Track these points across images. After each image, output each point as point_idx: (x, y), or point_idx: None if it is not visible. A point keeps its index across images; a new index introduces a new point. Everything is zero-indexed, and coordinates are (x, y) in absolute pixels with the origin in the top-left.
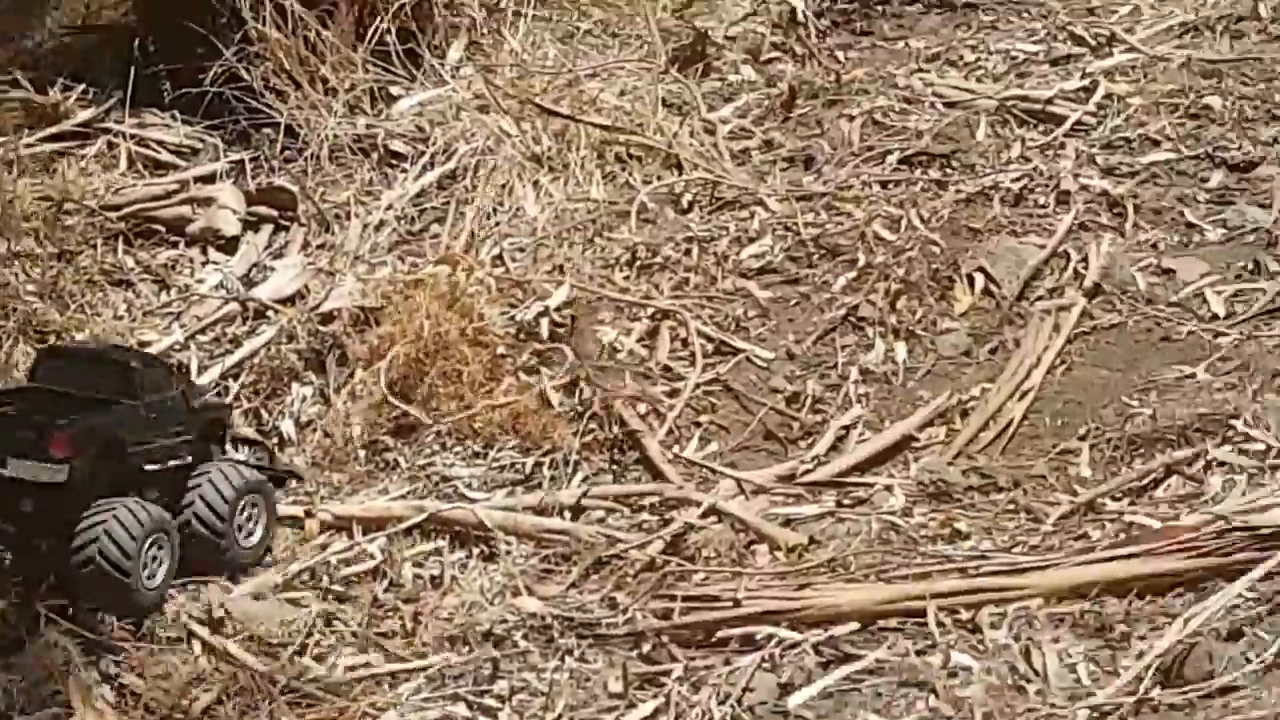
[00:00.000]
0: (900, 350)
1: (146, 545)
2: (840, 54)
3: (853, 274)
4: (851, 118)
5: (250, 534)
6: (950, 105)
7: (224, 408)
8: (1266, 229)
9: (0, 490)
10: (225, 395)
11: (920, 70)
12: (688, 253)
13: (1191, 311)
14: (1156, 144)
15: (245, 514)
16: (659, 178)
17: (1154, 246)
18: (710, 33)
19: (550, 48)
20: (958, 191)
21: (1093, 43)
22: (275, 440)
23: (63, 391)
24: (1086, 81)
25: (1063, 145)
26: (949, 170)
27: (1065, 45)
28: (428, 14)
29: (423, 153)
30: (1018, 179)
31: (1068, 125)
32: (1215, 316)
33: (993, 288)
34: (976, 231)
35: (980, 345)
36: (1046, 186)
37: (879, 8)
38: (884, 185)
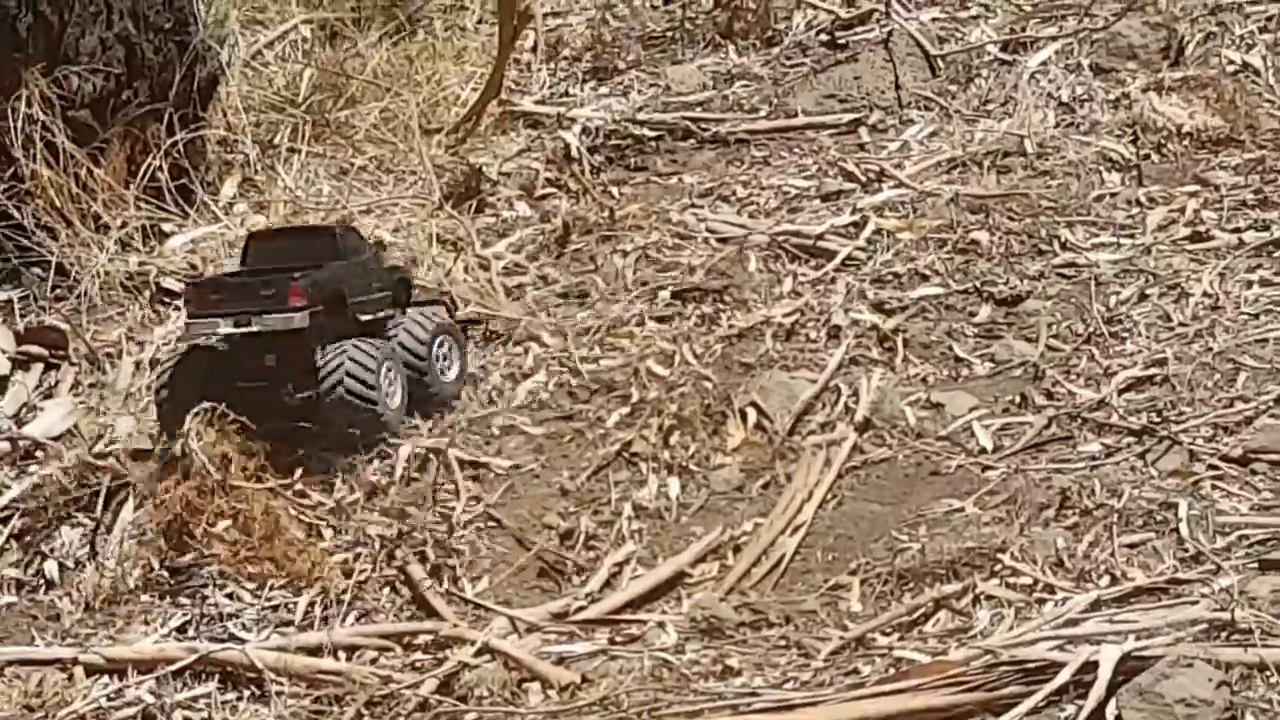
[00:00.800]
0: (674, 486)
1: (384, 370)
2: (614, 189)
3: (626, 409)
4: (625, 253)
5: (448, 369)
6: (723, 240)
7: (407, 267)
8: (1033, 363)
9: (246, 351)
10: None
11: (693, 206)
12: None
13: (960, 445)
14: (925, 279)
15: (442, 351)
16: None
17: (923, 380)
18: (485, 169)
19: (325, 184)
20: (730, 326)
21: (863, 178)
22: (42, 581)
23: (279, 266)
24: (857, 217)
25: (833, 280)
26: (722, 305)
27: (836, 181)
28: (200, 151)
29: None
30: (789, 314)
31: (838, 260)
32: (983, 450)
33: (765, 422)
34: (749, 366)
35: (753, 480)
36: (818, 321)
37: (653, 144)
38: (657, 320)
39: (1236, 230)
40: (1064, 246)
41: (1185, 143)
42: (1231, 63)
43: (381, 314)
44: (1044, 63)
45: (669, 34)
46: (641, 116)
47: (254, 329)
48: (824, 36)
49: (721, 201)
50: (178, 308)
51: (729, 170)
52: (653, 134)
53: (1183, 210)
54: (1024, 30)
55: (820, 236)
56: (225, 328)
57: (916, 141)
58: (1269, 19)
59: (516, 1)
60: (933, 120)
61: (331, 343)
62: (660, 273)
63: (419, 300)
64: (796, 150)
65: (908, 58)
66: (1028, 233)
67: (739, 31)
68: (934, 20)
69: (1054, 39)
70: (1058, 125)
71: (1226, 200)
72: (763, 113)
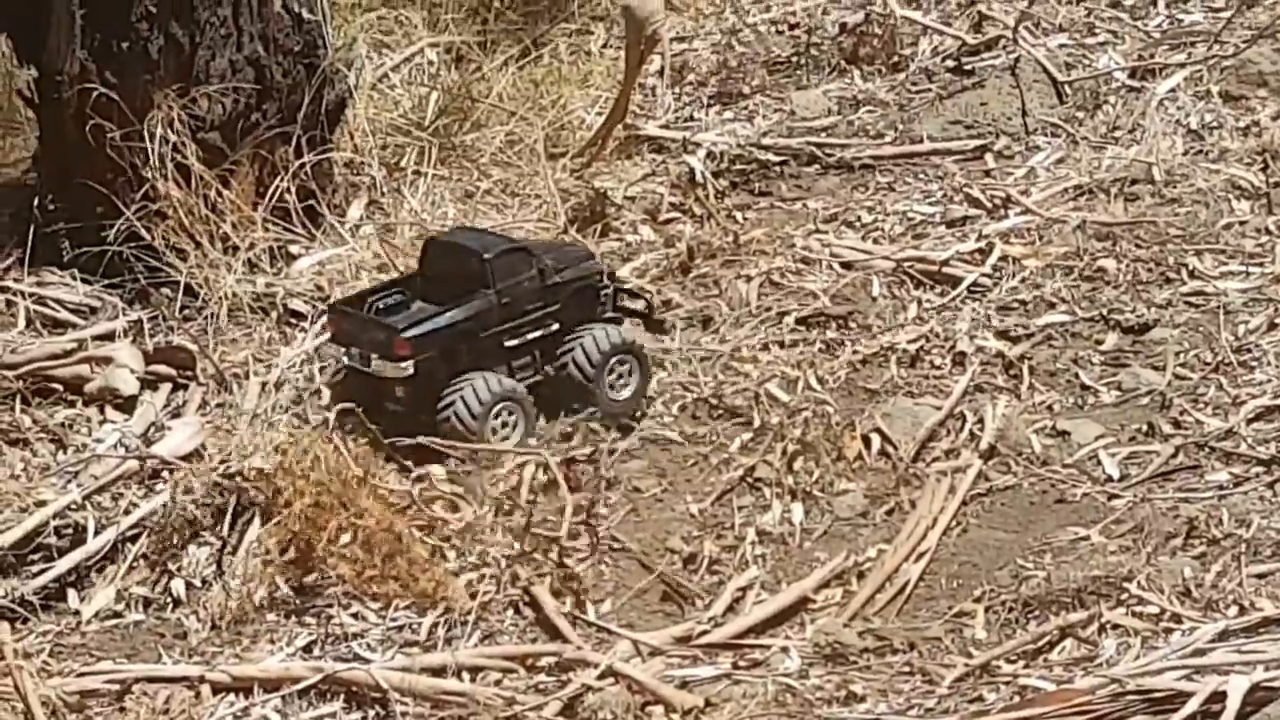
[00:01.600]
0: (797, 511)
1: (495, 410)
2: (738, 214)
3: (749, 434)
4: (749, 278)
5: (622, 389)
6: (847, 266)
7: (590, 275)
8: (1160, 391)
9: (384, 380)
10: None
11: (818, 231)
12: None
13: (1086, 474)
14: (1052, 306)
15: (615, 373)
16: None
17: (1049, 408)
18: (609, 193)
19: (450, 207)
20: (854, 352)
21: (989, 205)
22: (169, 599)
23: (439, 279)
24: (982, 243)
25: (959, 307)
26: (846, 331)
27: (962, 207)
28: (327, 173)
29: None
30: (914, 340)
31: (964, 287)
32: (1109, 479)
33: (889, 449)
34: (873, 392)
35: (877, 506)
36: (942, 348)
37: (777, 168)
38: (781, 346)
39: None
40: (1192, 274)
41: None
42: None
43: (539, 333)
44: (1173, 89)
45: (794, 59)
46: (766, 141)
47: (371, 369)
48: (950, 62)
49: (846, 227)
50: (304, 329)
51: (853, 196)
52: (777, 159)
53: None
54: (1152, 57)
55: (945, 263)
56: (348, 360)
57: (1043, 168)
58: None
59: (644, 26)
60: (1059, 147)
61: (472, 369)
62: (784, 298)
63: (620, 308)
64: (922, 176)
65: (1034, 84)
66: (1155, 260)
67: (864, 57)
68: (1061, 46)
69: (1183, 65)
70: (1186, 153)
71: None
72: (888, 138)
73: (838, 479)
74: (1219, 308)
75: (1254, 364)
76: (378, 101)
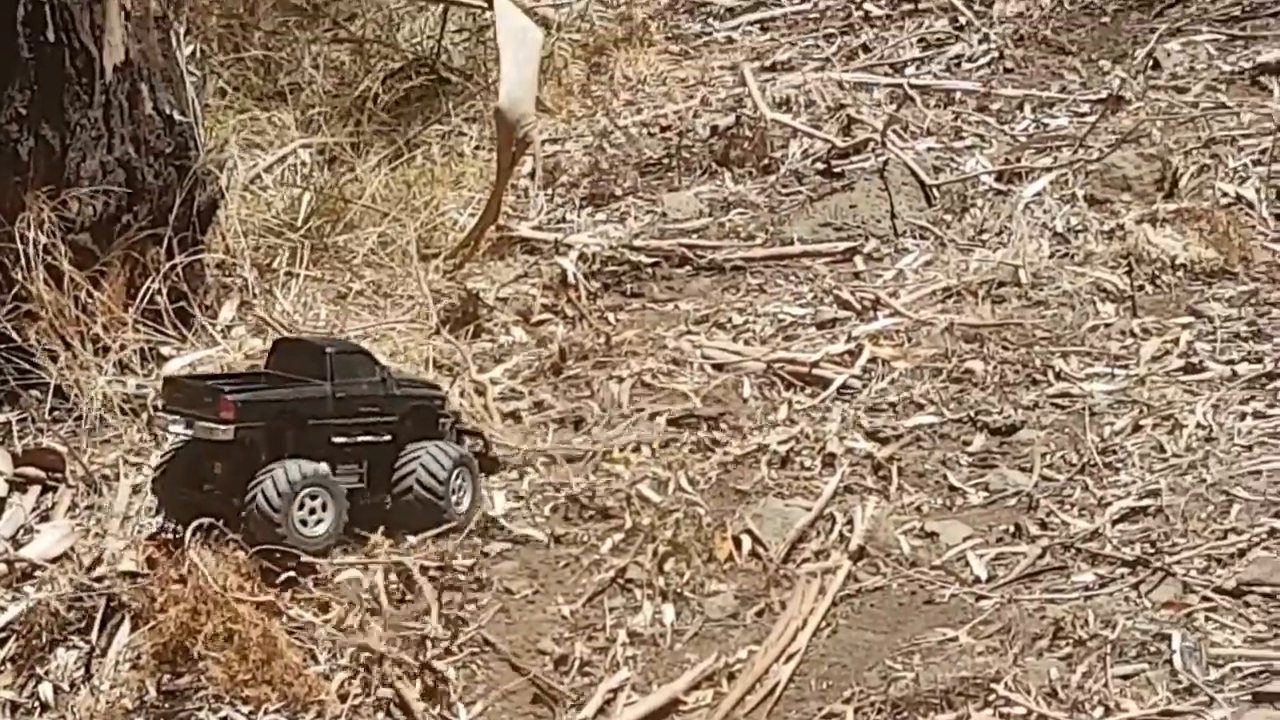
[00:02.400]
0: (668, 612)
1: (300, 495)
2: (610, 316)
3: (621, 535)
4: (621, 379)
5: (460, 500)
6: (718, 368)
7: (432, 399)
8: (1027, 493)
9: (204, 454)
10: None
11: (689, 332)
12: None
13: (954, 574)
14: (920, 407)
15: (455, 483)
16: None
17: (918, 509)
18: (481, 294)
19: (322, 308)
20: (725, 453)
21: (858, 307)
22: (37, 704)
23: (270, 373)
24: (852, 345)
25: (829, 408)
26: (717, 432)
27: (831, 309)
28: (199, 275)
29: None
30: (784, 441)
31: (834, 388)
32: (977, 580)
33: (760, 550)
34: (744, 493)
35: (747, 607)
36: (813, 449)
37: (649, 270)
38: (653, 447)
39: (1230, 362)
40: (1058, 376)
41: (1179, 274)
42: (1225, 195)
43: (369, 439)
44: (1038, 193)
45: (665, 161)
46: (638, 243)
47: (193, 435)
48: (820, 165)
49: (717, 329)
50: (175, 431)
51: (725, 298)
52: (649, 261)
53: (1176, 341)
54: (1018, 160)
55: (815, 364)
56: (177, 427)
57: (911, 270)
58: (1262, 151)
59: (515, 128)
60: (928, 249)
61: (290, 457)
62: (656, 399)
63: (454, 430)
64: (792, 278)
65: (903, 187)
66: (1022, 362)
67: (735, 159)
68: (929, 150)
69: (1048, 169)
70: (1052, 255)
71: (1220, 332)
72: (759, 240)
73: (709, 580)
74: (1085, 409)
75: (1119, 465)
76: (250, 202)
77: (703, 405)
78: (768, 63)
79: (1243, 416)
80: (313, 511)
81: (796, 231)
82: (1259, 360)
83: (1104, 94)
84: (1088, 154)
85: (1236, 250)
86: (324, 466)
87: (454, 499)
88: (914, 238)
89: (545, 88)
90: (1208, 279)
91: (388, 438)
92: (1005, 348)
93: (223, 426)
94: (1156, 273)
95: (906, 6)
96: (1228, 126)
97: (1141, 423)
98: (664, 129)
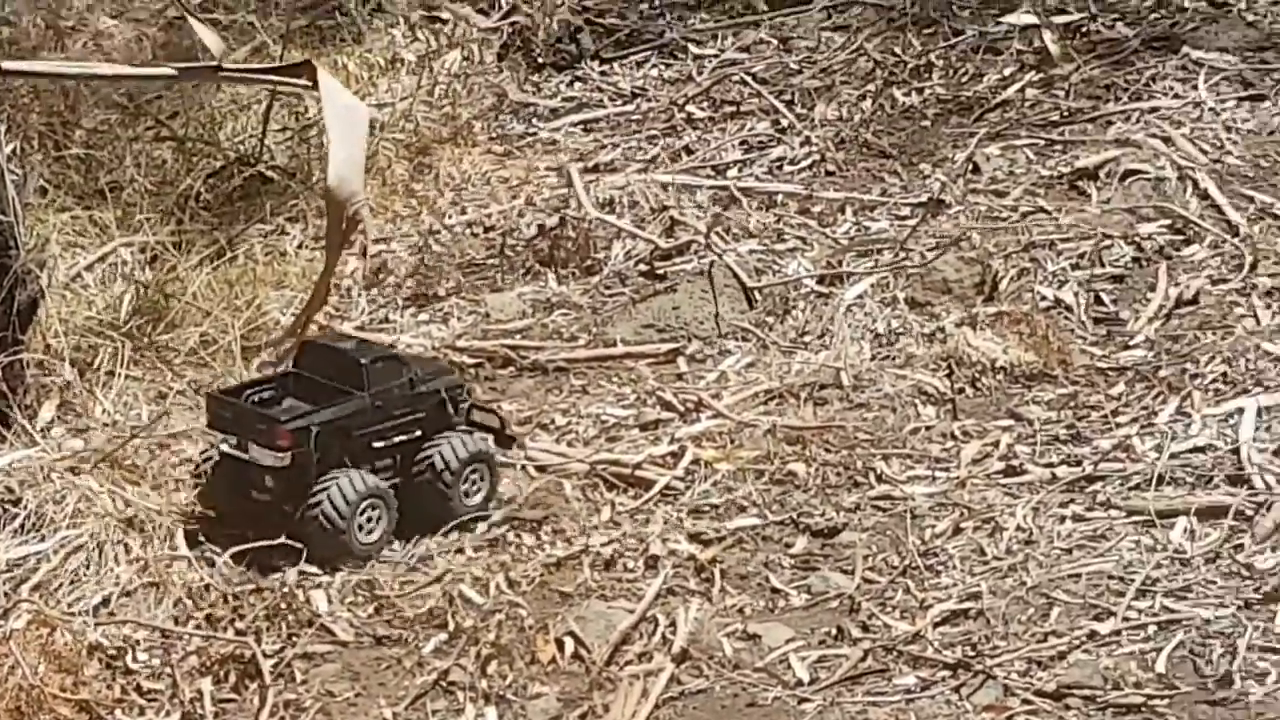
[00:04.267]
0: (491, 715)
1: (361, 507)
2: None
3: (444, 637)
4: None
5: (474, 495)
6: (541, 469)
7: (453, 389)
8: (849, 595)
9: (252, 469)
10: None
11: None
12: None
13: (777, 677)
14: (743, 509)
15: (469, 480)
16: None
17: (740, 611)
18: None
19: (144, 407)
20: (549, 555)
21: (681, 408)
22: None
23: (313, 379)
24: (675, 447)
25: (652, 510)
26: (540, 534)
27: (654, 410)
28: (18, 375)
29: (13, 515)
30: (607, 544)
31: (656, 490)
32: (799, 682)
33: (583, 652)
34: (567, 595)
35: (570, 710)
36: (636, 551)
37: (472, 371)
38: (475, 549)
39: (1050, 465)
40: (880, 479)
41: (999, 377)
42: (1044, 299)
43: (403, 438)
44: (860, 296)
45: (489, 262)
46: (461, 344)
47: (250, 457)
48: (643, 266)
49: (540, 430)
50: None
51: (548, 399)
52: (472, 361)
53: (997, 444)
54: (840, 264)
55: (638, 466)
56: (227, 447)
57: (734, 372)
58: (1080, 256)
59: (345, 207)
60: (750, 351)
61: (339, 467)
62: None
63: (473, 422)
64: (615, 379)
65: (726, 289)
66: (844, 464)
67: (559, 260)
68: (751, 252)
69: (870, 273)
70: (874, 358)
71: (1040, 435)
72: (582, 341)
73: (531, 682)
74: (906, 512)
75: (940, 568)
76: (71, 301)
77: (525, 507)
78: (591, 163)
79: (1062, 519)
80: (369, 520)
81: (620, 333)
82: (1078, 463)
83: (924, 197)
84: (908, 257)
85: (1055, 354)
86: (374, 479)
87: (465, 494)
88: (737, 339)
89: (369, 188)
90: (1027, 382)
91: (418, 433)
92: (827, 450)
93: (279, 454)
94: (977, 376)
95: (728, 109)
96: (1046, 231)
97: (962, 525)
98: (488, 230)
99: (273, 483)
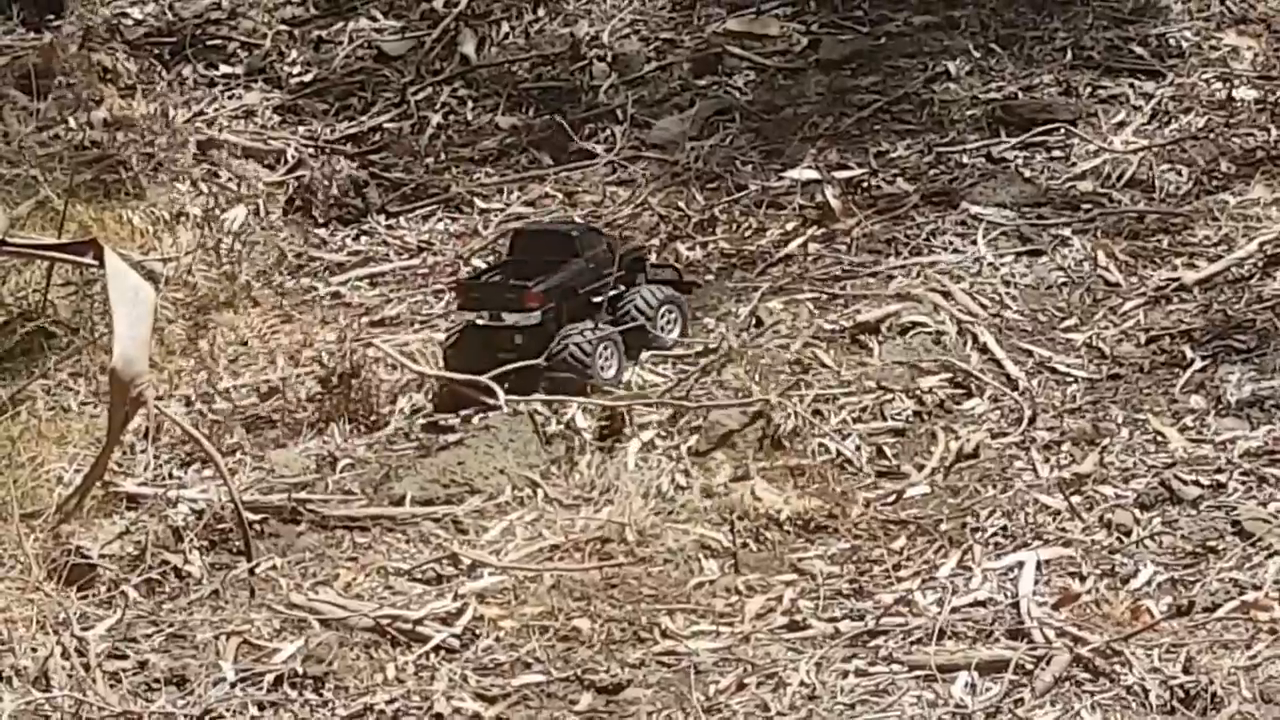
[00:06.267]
0: None
1: (599, 349)
2: (217, 575)
3: None
4: (228, 636)
5: (670, 330)
6: (325, 624)
7: (640, 249)
8: None
9: (500, 334)
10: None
11: (298, 588)
12: None
13: None
14: (528, 666)
15: (665, 318)
16: (27, 703)
17: None
18: (86, 551)
19: None
20: (333, 713)
21: (465, 564)
22: None
23: (526, 259)
24: (459, 603)
25: (436, 667)
26: (322, 692)
27: (439, 566)
28: None
29: None
30: (391, 701)
31: (431, 646)
32: None
33: None
34: None
35: None
36: (420, 709)
37: (256, 527)
38: (259, 707)
39: (833, 620)
40: (664, 634)
41: (782, 530)
42: (827, 451)
43: (613, 293)
44: (644, 450)
45: (274, 417)
46: (246, 499)
47: (502, 323)
48: (429, 420)
49: (324, 585)
50: None
51: (332, 553)
52: (257, 517)
53: (780, 599)
54: (624, 417)
55: (421, 622)
56: (481, 320)
57: (520, 525)
58: (863, 409)
59: (129, 388)
60: (536, 506)
61: (570, 321)
62: (262, 658)
63: (655, 278)
64: (399, 535)
65: (511, 443)
66: (629, 620)
67: (344, 415)
68: (535, 412)
69: (655, 426)
70: (658, 512)
71: (823, 589)
72: (366, 496)
73: None
74: (690, 668)
75: None
76: None
77: (307, 664)
78: (377, 318)
79: (845, 675)
80: (605, 359)
81: (404, 488)
82: (860, 618)
83: (707, 350)
84: (693, 412)
85: (838, 506)
86: (606, 329)
87: (662, 330)
88: (521, 494)
89: (151, 344)
90: (810, 536)
91: (622, 287)
92: (612, 605)
93: (531, 313)
94: (760, 529)
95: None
96: (829, 384)
97: (746, 681)
98: (270, 386)
99: (520, 340)
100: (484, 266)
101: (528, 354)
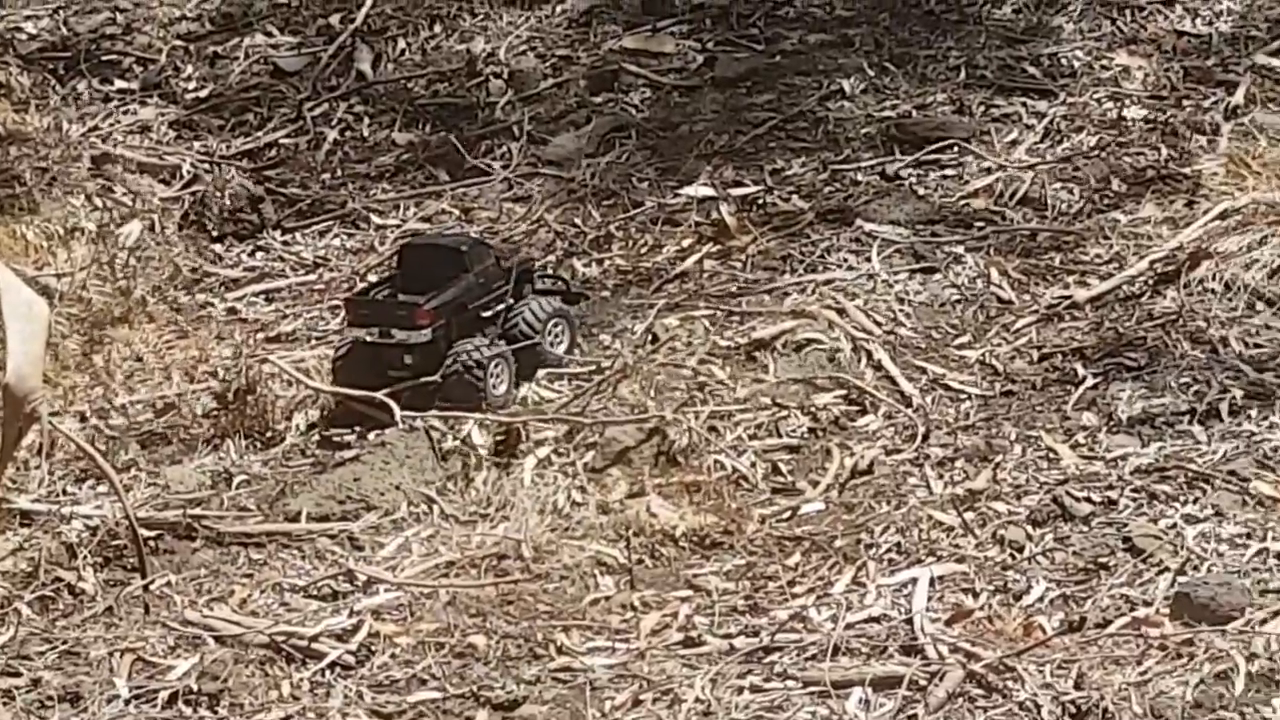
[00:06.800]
0: None
1: (492, 365)
2: (113, 591)
3: None
4: (121, 653)
5: (559, 344)
6: (220, 640)
7: (528, 261)
8: None
9: (390, 351)
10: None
11: (192, 605)
12: None
13: None
14: (423, 682)
15: (553, 332)
16: None
17: None
18: None
19: None
20: None
21: (361, 580)
22: None
23: (416, 272)
24: (354, 620)
25: (332, 684)
26: (217, 709)
27: (334, 582)
28: None
29: None
30: (286, 718)
31: (327, 662)
32: None
33: None
34: None
35: None
36: None
37: (151, 543)
38: None
39: (728, 636)
40: (560, 651)
41: (678, 547)
42: (723, 467)
43: (500, 306)
44: (540, 466)
45: (169, 432)
46: (141, 515)
47: (392, 340)
48: (325, 436)
49: (219, 602)
50: None
51: (227, 569)
52: (152, 534)
53: (675, 615)
54: (521, 433)
55: (315, 639)
56: (370, 337)
57: (416, 542)
58: (759, 426)
59: (22, 404)
60: (432, 523)
61: (460, 338)
62: (155, 676)
63: (541, 289)
64: (295, 551)
65: (407, 459)
66: (525, 636)
67: (239, 431)
68: (431, 429)
69: (551, 442)
70: (554, 529)
71: (718, 606)
72: (262, 513)
73: None
74: (586, 684)
75: None
76: None
77: (202, 682)
78: (273, 333)
79: (740, 691)
80: (497, 377)
81: (300, 504)
82: (755, 634)
83: (604, 367)
84: (588, 428)
85: (734, 523)
86: (497, 344)
87: (550, 345)
88: (418, 510)
89: (45, 359)
90: (705, 552)
91: (511, 301)
92: (508, 622)
93: (422, 331)
94: (655, 546)
95: None
96: (724, 400)
97: (641, 697)
98: (169, 405)
99: (410, 360)
100: (373, 281)
101: (418, 372)
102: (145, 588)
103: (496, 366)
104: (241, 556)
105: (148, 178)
